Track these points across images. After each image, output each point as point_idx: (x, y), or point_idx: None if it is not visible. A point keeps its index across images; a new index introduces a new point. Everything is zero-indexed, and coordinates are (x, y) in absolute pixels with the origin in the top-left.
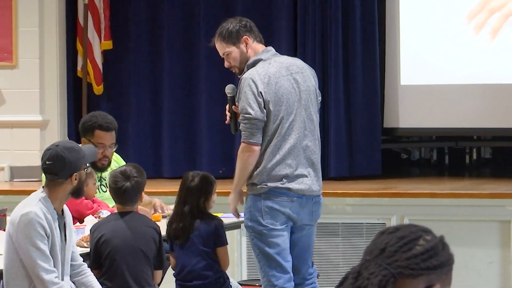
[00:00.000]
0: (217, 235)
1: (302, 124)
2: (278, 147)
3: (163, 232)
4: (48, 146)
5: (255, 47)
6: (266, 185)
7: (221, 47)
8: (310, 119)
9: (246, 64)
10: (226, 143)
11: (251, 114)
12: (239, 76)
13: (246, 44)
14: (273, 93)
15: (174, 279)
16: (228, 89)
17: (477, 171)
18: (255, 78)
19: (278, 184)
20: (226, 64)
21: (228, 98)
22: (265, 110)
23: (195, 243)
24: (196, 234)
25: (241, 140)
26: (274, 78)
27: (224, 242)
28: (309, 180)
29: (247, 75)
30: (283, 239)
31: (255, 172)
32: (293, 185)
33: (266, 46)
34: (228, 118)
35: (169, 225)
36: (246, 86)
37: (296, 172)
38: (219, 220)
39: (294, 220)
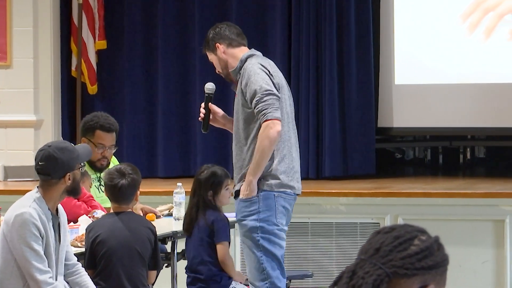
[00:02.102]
0: (213, 230)
1: (293, 120)
2: (286, 137)
3: (161, 231)
4: (41, 147)
5: (231, 52)
6: (280, 179)
7: (207, 55)
8: (293, 118)
9: (226, 68)
10: (221, 143)
11: (271, 90)
12: (227, 81)
13: (219, 50)
14: (280, 81)
15: (170, 278)
16: (209, 85)
17: (471, 170)
18: (263, 63)
19: (289, 181)
20: (216, 70)
21: (206, 95)
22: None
23: (194, 237)
24: (196, 228)
25: (263, 120)
26: (275, 69)
27: (220, 238)
28: (299, 179)
29: (253, 62)
30: (284, 242)
31: (267, 164)
32: (296, 184)
33: (255, 48)
34: (202, 115)
35: (184, 217)
36: (256, 69)
37: (297, 167)
38: (219, 215)
39: (287, 220)
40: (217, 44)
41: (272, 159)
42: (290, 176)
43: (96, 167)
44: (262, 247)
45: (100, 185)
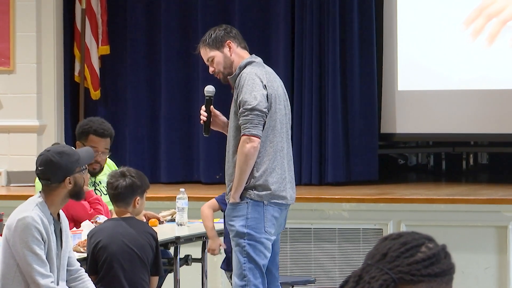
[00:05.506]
0: None
1: (288, 130)
2: (278, 148)
3: (164, 237)
4: (40, 152)
5: (239, 52)
6: (271, 190)
7: (204, 53)
8: (289, 127)
9: (230, 68)
10: (223, 148)
11: (252, 105)
12: (223, 83)
13: (230, 48)
14: (274, 91)
15: (173, 284)
16: (209, 88)
17: (473, 176)
18: (258, 73)
19: (281, 191)
20: (210, 70)
21: (207, 98)
22: (267, 103)
23: None
24: None
25: (242, 134)
26: (272, 78)
27: None
28: (292, 188)
29: (248, 71)
30: (270, 253)
31: (258, 174)
32: (289, 192)
33: (258, 54)
34: (204, 118)
35: None
36: (249, 80)
37: (289, 177)
38: None
39: (278, 229)
40: (229, 41)
41: (263, 169)
42: (282, 186)
43: (88, 171)
44: (247, 254)
45: (95, 189)
